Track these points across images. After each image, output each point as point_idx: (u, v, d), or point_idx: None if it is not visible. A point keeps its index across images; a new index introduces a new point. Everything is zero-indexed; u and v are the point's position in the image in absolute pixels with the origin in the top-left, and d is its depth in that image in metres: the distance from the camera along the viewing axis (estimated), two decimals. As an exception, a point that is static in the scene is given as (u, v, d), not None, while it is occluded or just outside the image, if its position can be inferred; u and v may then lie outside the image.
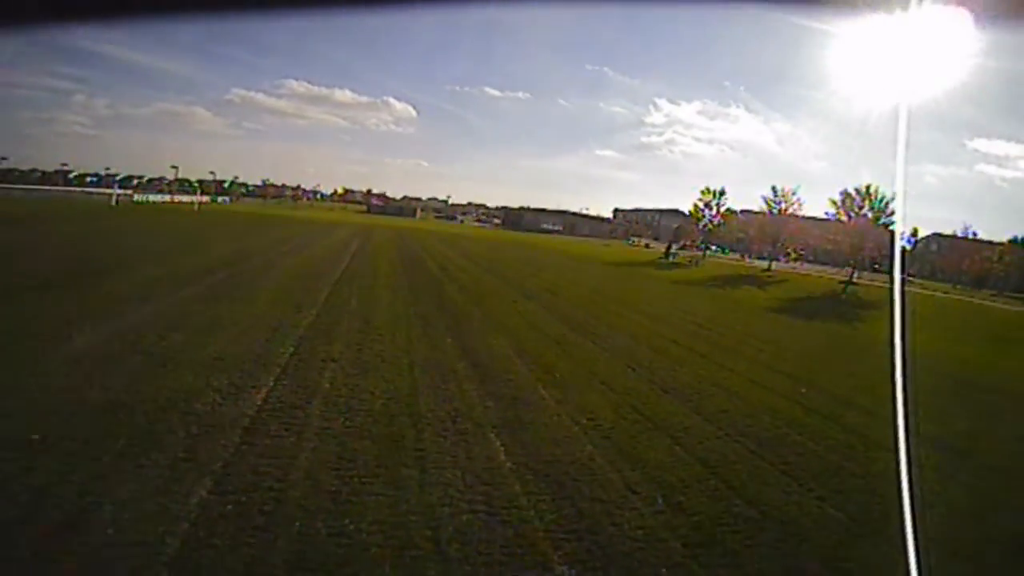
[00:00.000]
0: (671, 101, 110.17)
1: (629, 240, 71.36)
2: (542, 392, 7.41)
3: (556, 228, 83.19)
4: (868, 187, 34.28)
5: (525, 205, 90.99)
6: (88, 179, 75.57)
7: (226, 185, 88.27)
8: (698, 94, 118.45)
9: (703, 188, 45.80)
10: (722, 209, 45.30)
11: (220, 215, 46.07)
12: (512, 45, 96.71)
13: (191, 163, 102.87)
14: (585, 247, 50.61)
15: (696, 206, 46.14)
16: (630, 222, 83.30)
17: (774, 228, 41.77)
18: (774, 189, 41.72)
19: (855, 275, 34.20)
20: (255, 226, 35.91)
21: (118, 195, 50.85)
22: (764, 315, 20.26)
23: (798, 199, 41.20)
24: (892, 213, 32.60)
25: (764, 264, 42.55)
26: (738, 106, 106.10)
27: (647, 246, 61.38)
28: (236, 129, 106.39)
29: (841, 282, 33.36)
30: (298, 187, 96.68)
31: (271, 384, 6.50)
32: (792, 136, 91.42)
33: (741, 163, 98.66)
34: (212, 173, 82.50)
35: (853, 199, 34.87)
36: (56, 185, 60.87)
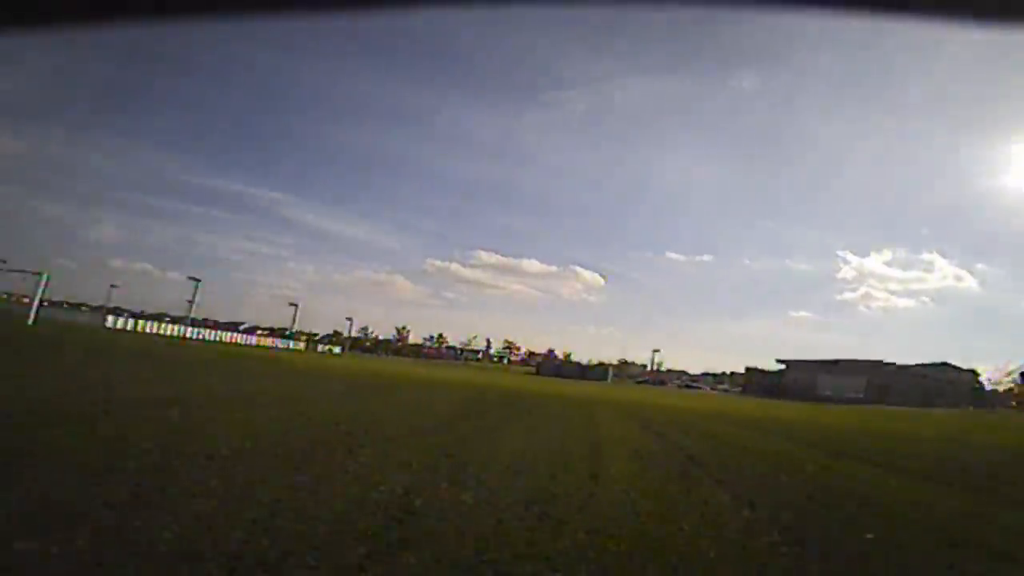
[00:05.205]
0: (857, 253, 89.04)
1: None
2: None
3: (856, 395, 56.46)
4: None
5: (788, 358, 66.00)
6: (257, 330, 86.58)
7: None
8: (884, 241, 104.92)
9: None
10: None
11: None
12: (678, 207, 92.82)
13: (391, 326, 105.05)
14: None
15: None
16: (896, 382, 59.58)
17: None
18: None
19: None
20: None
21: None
22: None
23: None
24: None
25: None
26: (930, 251, 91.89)
27: None
28: (435, 299, 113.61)
29: None
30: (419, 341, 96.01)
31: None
32: (995, 277, 64.57)
33: (948, 315, 79.21)
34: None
35: None
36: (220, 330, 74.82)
